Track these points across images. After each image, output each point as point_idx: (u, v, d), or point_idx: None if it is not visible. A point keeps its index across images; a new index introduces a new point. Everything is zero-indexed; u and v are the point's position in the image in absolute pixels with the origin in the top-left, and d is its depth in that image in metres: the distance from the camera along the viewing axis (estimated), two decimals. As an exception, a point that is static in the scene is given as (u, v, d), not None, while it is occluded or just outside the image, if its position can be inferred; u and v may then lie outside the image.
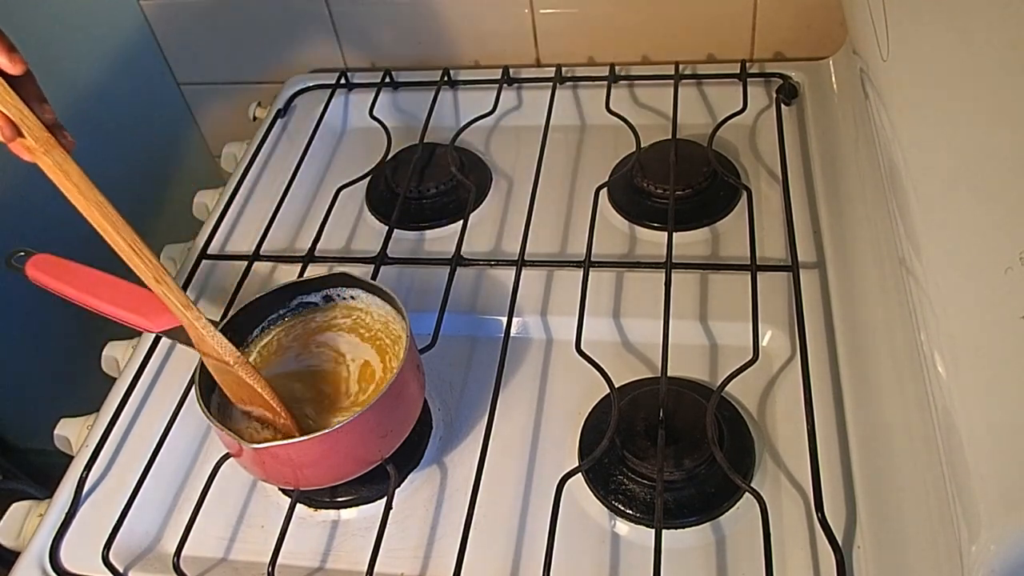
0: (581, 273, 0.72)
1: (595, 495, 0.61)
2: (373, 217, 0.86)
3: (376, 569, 0.57)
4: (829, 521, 0.55)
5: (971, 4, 0.55)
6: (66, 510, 0.64)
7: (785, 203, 0.77)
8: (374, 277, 0.75)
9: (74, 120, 0.60)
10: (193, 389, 0.60)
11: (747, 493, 0.57)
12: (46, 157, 0.54)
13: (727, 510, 0.59)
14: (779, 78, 0.90)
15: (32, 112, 0.54)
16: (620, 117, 0.87)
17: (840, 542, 0.55)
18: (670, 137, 0.83)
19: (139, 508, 0.63)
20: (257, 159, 0.92)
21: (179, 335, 0.64)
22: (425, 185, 0.85)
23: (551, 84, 0.92)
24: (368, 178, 0.88)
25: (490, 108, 0.91)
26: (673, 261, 0.71)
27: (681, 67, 0.91)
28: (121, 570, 0.60)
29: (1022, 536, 0.39)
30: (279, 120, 0.97)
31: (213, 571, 0.61)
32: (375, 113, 0.93)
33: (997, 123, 0.50)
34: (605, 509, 0.60)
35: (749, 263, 0.71)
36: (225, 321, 0.64)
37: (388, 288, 0.63)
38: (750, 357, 0.64)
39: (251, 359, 0.66)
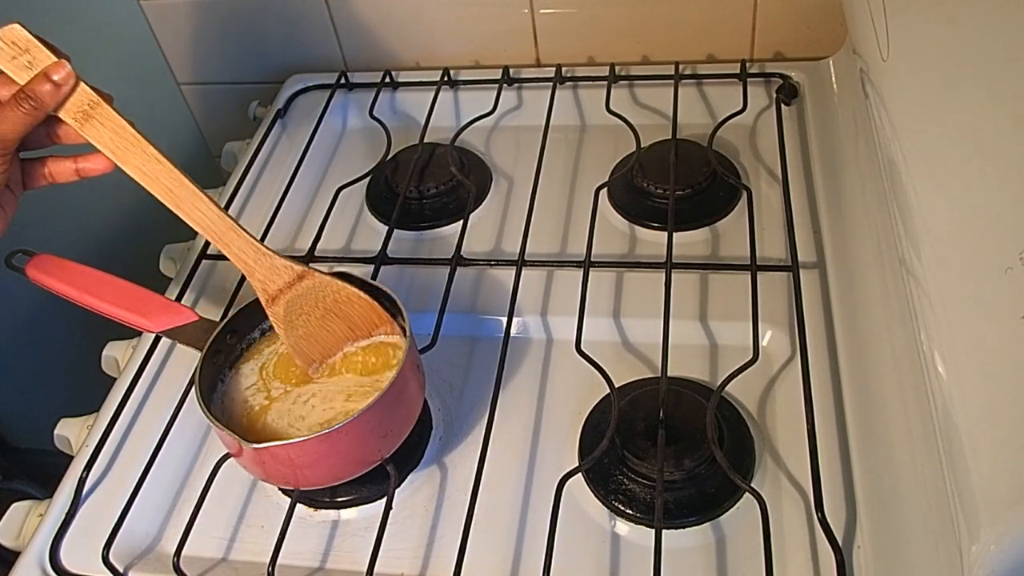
0: (581, 273, 0.72)
1: (595, 495, 0.61)
2: (373, 217, 0.86)
3: (376, 569, 0.57)
4: (829, 521, 0.55)
5: (971, 4, 0.55)
6: (66, 510, 0.64)
7: (785, 203, 0.77)
8: (374, 277, 0.75)
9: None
10: (193, 389, 0.60)
11: (747, 493, 0.57)
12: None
13: (727, 510, 0.59)
14: (779, 78, 0.90)
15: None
16: (620, 117, 0.87)
17: (840, 542, 0.55)
18: (670, 137, 0.83)
19: (139, 508, 0.63)
20: (257, 159, 0.92)
21: (179, 335, 0.64)
22: (425, 185, 0.85)
23: (551, 84, 0.92)
24: (368, 178, 0.88)
25: (490, 108, 0.91)
26: (673, 261, 0.71)
27: (681, 67, 0.91)
28: (121, 570, 0.60)
29: (1022, 536, 0.39)
30: (279, 120, 0.97)
31: (213, 571, 0.61)
32: (375, 113, 0.93)
33: (997, 123, 0.50)
34: (605, 509, 0.60)
35: (749, 263, 0.71)
36: (225, 322, 0.64)
37: (388, 288, 0.63)
38: (750, 357, 0.64)
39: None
